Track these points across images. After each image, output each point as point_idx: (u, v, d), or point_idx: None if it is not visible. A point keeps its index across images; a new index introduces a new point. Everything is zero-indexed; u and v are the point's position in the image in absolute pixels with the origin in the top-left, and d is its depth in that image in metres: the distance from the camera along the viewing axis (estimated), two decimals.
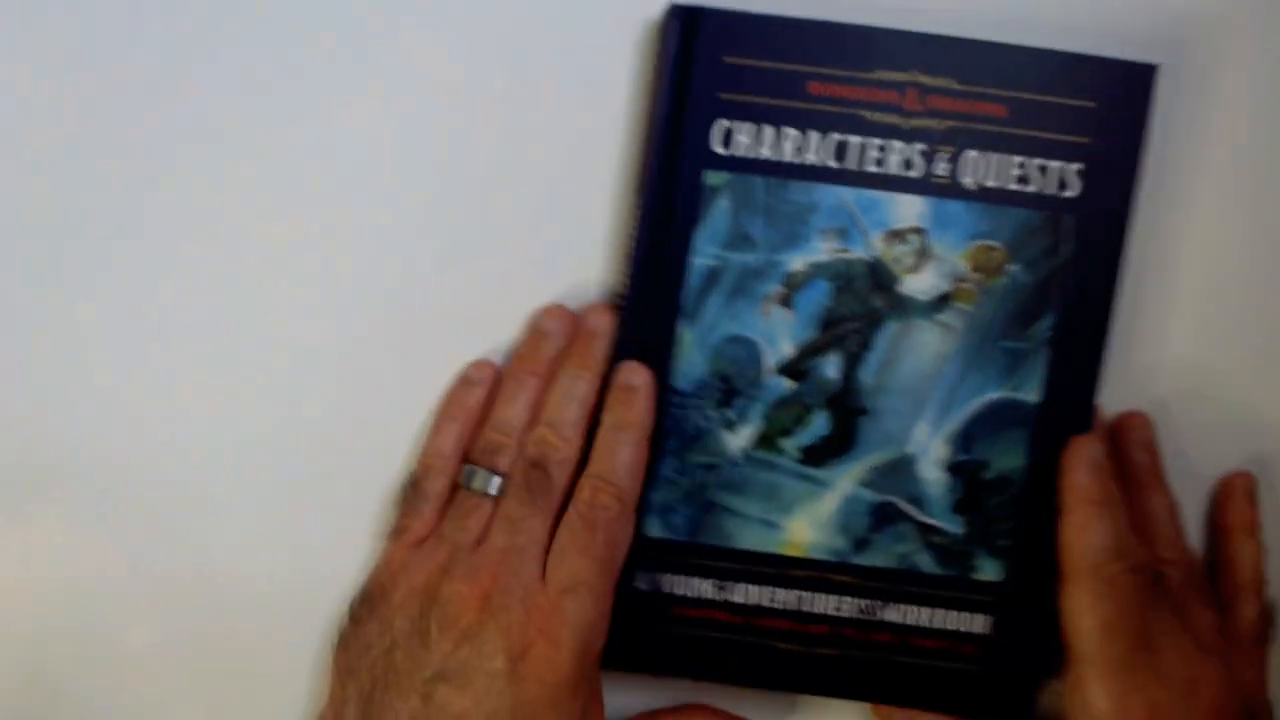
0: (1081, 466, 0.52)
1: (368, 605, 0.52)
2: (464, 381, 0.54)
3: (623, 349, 0.53)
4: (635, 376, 0.52)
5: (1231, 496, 0.56)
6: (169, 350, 0.54)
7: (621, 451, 0.51)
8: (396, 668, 0.50)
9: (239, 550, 0.54)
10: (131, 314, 0.54)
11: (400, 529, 0.53)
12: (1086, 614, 0.51)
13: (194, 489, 0.55)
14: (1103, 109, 0.52)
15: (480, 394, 0.54)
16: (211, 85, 0.53)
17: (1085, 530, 0.52)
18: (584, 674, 0.51)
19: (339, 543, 0.55)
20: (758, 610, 0.54)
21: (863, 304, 0.53)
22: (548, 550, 0.51)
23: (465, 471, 0.53)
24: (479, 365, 0.54)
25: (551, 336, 0.53)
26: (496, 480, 0.52)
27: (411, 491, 0.53)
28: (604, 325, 0.53)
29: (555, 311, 0.54)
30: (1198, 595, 0.54)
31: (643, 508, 0.53)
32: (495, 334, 0.55)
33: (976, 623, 0.54)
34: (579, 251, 0.54)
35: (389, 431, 0.55)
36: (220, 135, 0.53)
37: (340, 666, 0.52)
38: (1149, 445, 0.55)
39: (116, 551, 0.55)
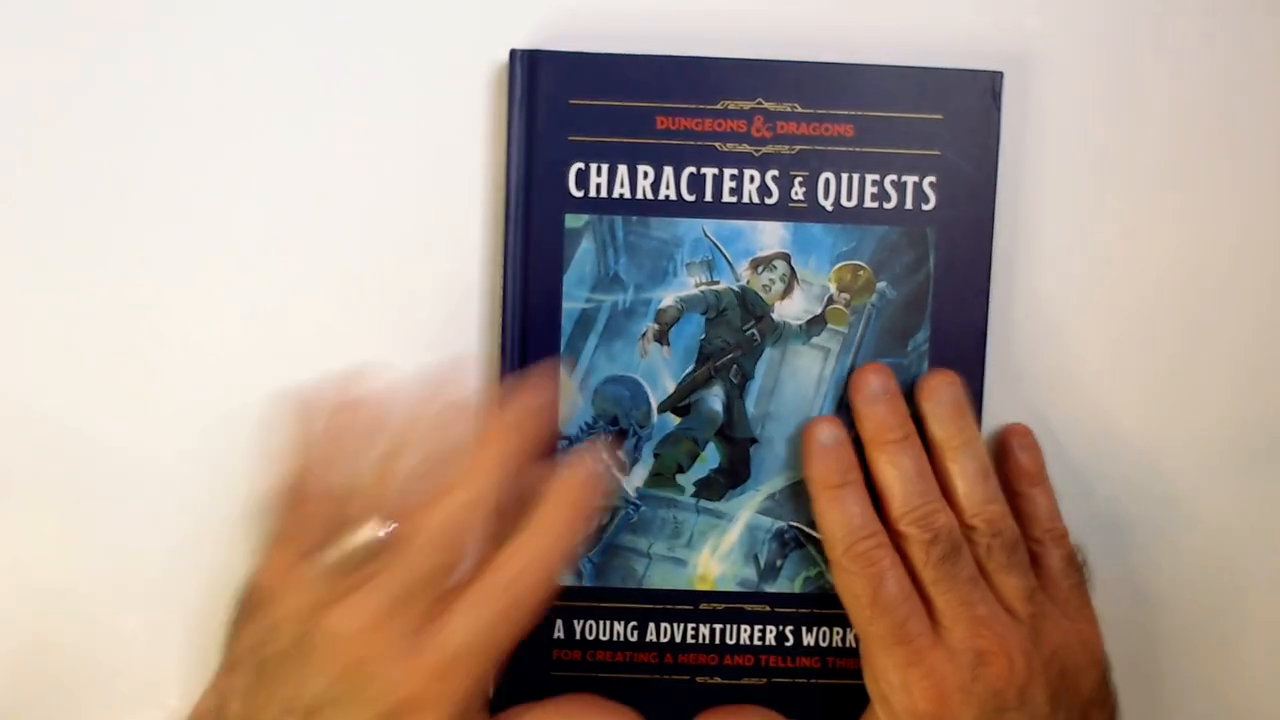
0: (813, 454, 0.52)
1: (249, 608, 0.49)
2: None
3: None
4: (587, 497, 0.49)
5: (1007, 452, 0.55)
6: (160, 344, 0.55)
7: (551, 550, 0.48)
8: (275, 680, 0.47)
9: (230, 538, 0.55)
10: (120, 310, 0.55)
11: (288, 537, 0.50)
12: (849, 592, 0.51)
13: (187, 480, 0.55)
14: (951, 120, 0.52)
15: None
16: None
17: (827, 515, 0.51)
18: None
19: None
20: (677, 647, 0.55)
21: (737, 334, 0.53)
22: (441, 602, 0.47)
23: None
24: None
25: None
26: (392, 526, 0.49)
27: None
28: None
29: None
30: (1005, 560, 0.52)
31: None
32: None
33: None
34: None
35: None
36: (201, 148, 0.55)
37: (227, 656, 0.49)
38: (955, 405, 0.53)
39: (109, 541, 0.55)
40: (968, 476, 0.52)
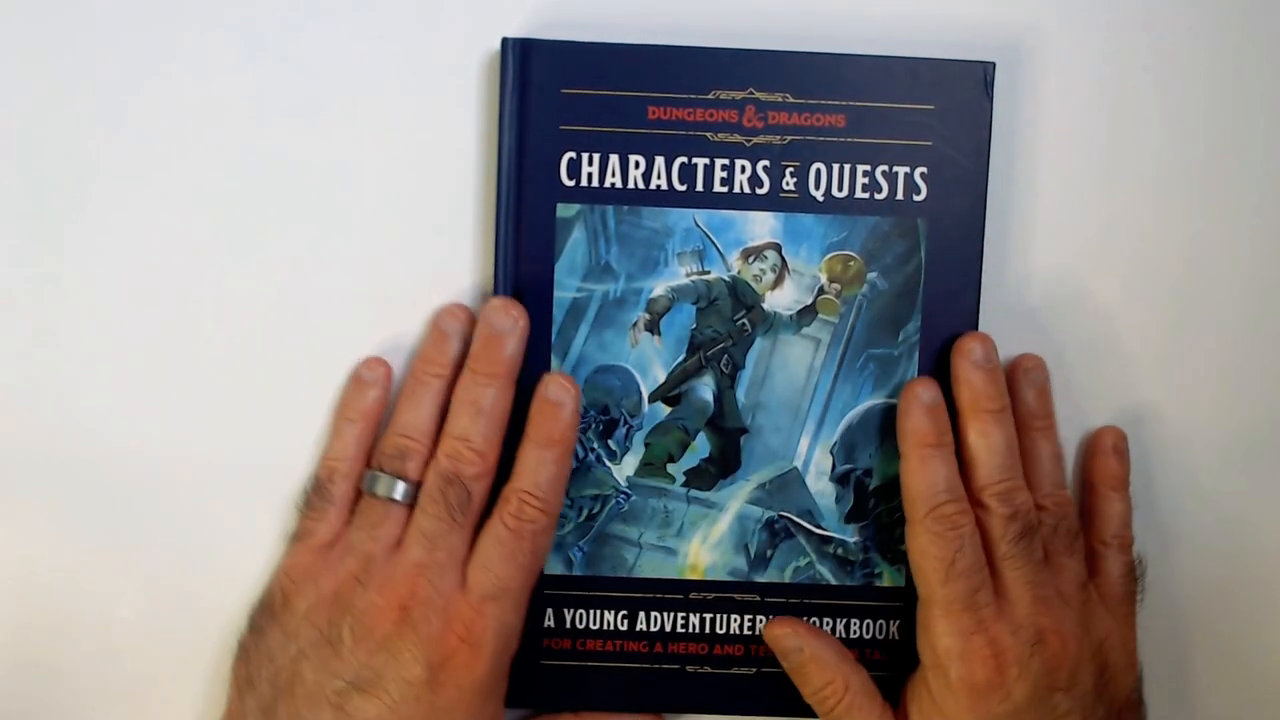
0: (914, 410, 0.52)
1: (268, 613, 0.51)
2: (357, 381, 0.53)
3: None
4: (562, 393, 0.51)
5: (1100, 451, 0.55)
6: (157, 338, 0.55)
7: (546, 468, 0.51)
8: (304, 677, 0.49)
9: (225, 534, 0.55)
10: (114, 305, 0.55)
11: (304, 532, 0.53)
12: (925, 554, 0.51)
13: (178, 476, 0.55)
14: (942, 111, 0.52)
15: (376, 394, 0.53)
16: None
17: (918, 473, 0.51)
18: (499, 677, 0.51)
19: None
20: (667, 636, 0.55)
21: (728, 324, 0.53)
22: (465, 559, 0.51)
23: (367, 477, 0.52)
24: (371, 364, 0.53)
25: (452, 337, 0.52)
26: (401, 486, 0.51)
27: (315, 495, 0.53)
28: (507, 324, 0.51)
29: (455, 311, 0.53)
30: (1066, 545, 0.53)
31: None
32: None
33: (884, 628, 0.55)
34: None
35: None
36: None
37: (239, 677, 0.51)
38: (1040, 388, 0.54)
39: (103, 536, 0.55)
40: (1045, 459, 0.54)
